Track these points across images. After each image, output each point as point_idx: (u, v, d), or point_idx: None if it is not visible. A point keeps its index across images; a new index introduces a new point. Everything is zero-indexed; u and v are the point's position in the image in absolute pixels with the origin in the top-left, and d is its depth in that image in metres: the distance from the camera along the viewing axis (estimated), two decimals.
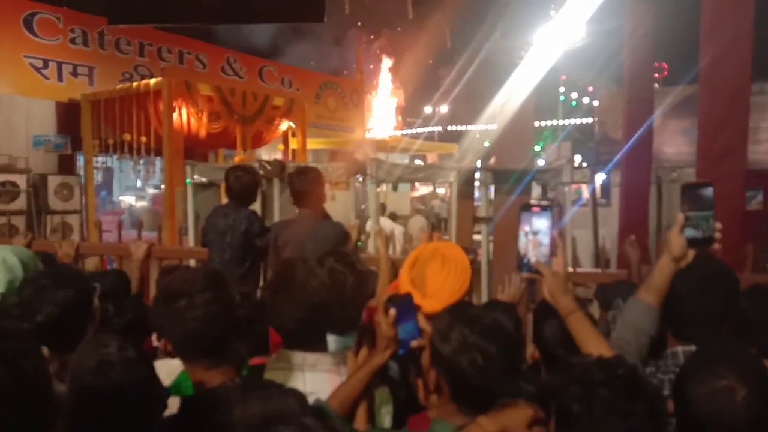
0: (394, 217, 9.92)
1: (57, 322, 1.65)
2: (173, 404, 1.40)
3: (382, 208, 12.06)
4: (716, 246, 1.60)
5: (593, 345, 1.53)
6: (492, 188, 3.77)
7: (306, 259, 1.78)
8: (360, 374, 1.46)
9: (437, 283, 1.74)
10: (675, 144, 13.78)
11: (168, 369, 1.55)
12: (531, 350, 1.90)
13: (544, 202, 1.75)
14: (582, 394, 1.19)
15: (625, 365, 1.32)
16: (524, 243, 1.68)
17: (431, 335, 1.43)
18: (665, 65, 21.51)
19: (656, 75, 20.56)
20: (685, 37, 4.16)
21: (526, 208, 1.69)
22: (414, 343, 1.46)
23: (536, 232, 1.68)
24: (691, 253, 1.60)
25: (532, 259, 1.67)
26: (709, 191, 1.63)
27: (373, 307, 1.65)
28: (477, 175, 4.89)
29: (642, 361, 1.63)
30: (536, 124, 24.15)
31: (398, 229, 9.35)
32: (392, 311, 1.46)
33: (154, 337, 2.23)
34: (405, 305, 1.50)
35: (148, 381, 1.35)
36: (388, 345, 1.46)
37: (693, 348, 1.66)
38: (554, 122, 22.30)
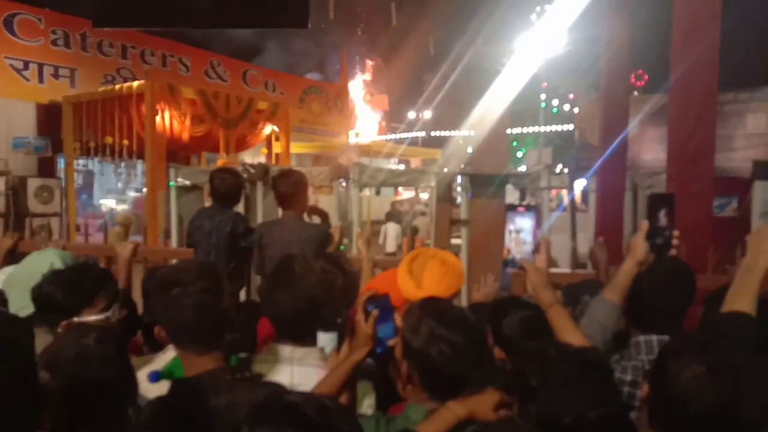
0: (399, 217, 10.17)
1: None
2: (165, 388, 1.47)
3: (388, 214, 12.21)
4: (673, 251, 1.76)
5: (570, 335, 1.66)
6: (470, 192, 3.90)
7: (305, 256, 1.88)
8: (340, 369, 1.54)
9: (434, 279, 1.88)
10: (652, 151, 14.06)
11: (164, 362, 1.63)
12: (495, 351, 1.99)
13: (528, 203, 1.88)
14: (543, 367, 1.31)
15: (595, 355, 1.43)
16: (508, 240, 1.79)
17: (402, 329, 1.52)
18: (645, 74, 21.93)
19: (636, 83, 20.95)
20: (664, 46, 4.31)
21: (512, 207, 1.81)
22: (391, 342, 1.54)
23: (519, 231, 1.79)
24: (651, 257, 1.75)
25: (517, 256, 1.78)
26: (671, 200, 1.82)
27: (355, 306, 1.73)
28: (459, 179, 5.01)
29: (606, 352, 1.75)
30: (518, 130, 24.49)
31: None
32: (374, 311, 1.54)
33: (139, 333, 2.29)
34: (383, 305, 1.58)
35: (122, 374, 1.44)
36: (366, 342, 1.53)
37: (653, 338, 1.80)
38: (535, 129, 22.58)
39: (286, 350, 1.71)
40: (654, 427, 1.39)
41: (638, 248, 1.75)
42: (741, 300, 1.49)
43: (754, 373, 1.27)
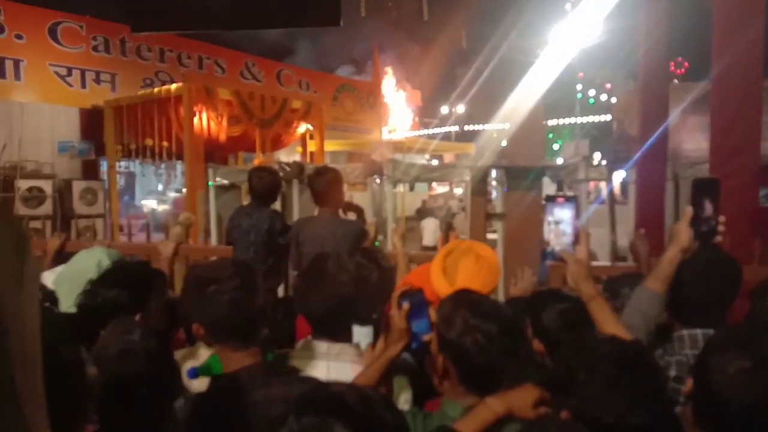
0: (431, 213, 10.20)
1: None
2: (204, 384, 1.52)
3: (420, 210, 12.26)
4: (719, 238, 1.69)
5: (612, 328, 1.62)
6: (506, 186, 3.87)
7: (339, 254, 1.90)
8: (376, 364, 1.56)
9: (468, 275, 1.85)
10: (694, 140, 13.67)
11: (204, 357, 1.68)
12: (535, 343, 1.98)
13: (569, 194, 1.84)
14: (588, 363, 1.28)
15: (639, 348, 1.40)
16: (547, 232, 1.76)
17: (437, 323, 1.52)
18: (685, 62, 21.30)
19: (676, 71, 20.37)
20: (705, 32, 4.19)
21: (551, 198, 1.78)
22: (426, 337, 1.55)
23: (559, 222, 1.75)
24: (695, 245, 1.69)
25: (556, 248, 1.75)
26: (716, 186, 1.74)
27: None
28: (494, 173, 4.96)
29: (649, 345, 1.71)
30: (554, 122, 24.12)
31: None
32: (405, 305, 1.55)
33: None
34: (418, 301, 1.58)
35: (166, 369, 1.49)
36: (400, 337, 1.54)
37: (697, 332, 1.74)
38: (572, 120, 22.19)
39: (322, 346, 1.74)
40: (699, 423, 1.35)
41: (682, 235, 1.69)
42: None
43: None
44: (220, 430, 1.41)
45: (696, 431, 1.34)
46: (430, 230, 11.44)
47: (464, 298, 1.54)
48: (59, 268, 2.41)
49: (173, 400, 1.51)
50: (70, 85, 11.50)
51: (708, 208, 1.69)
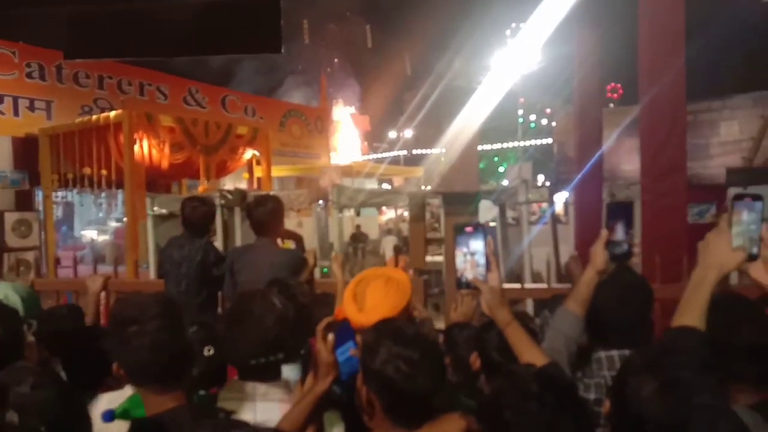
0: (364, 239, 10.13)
1: None
2: (122, 428, 1.42)
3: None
4: (634, 260, 1.74)
5: (529, 353, 1.62)
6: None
7: (264, 293, 1.83)
8: (304, 402, 1.52)
9: (376, 298, 1.81)
10: (630, 161, 14.22)
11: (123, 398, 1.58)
12: (473, 358, 2.00)
13: (475, 222, 1.82)
14: (515, 402, 1.26)
15: (561, 378, 1.40)
16: (462, 263, 1.74)
17: (361, 353, 1.49)
18: (620, 87, 22.29)
19: (612, 96, 21.29)
20: (637, 60, 4.40)
21: (460, 230, 1.76)
22: (352, 351, 1.51)
23: (474, 253, 1.74)
24: (611, 266, 1.73)
25: (470, 277, 1.73)
26: (629, 209, 1.81)
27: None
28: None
29: (571, 365, 1.73)
30: (498, 146, 24.72)
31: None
32: (330, 337, 1.52)
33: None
34: (344, 330, 1.55)
35: (67, 418, 1.33)
36: (328, 371, 1.52)
37: (614, 353, 1.79)
38: (514, 144, 22.81)
39: (249, 386, 1.67)
40: None
41: (598, 257, 1.72)
42: (690, 314, 1.41)
43: (700, 389, 1.26)
44: None
45: None
46: (389, 247, 11.51)
47: (386, 328, 1.52)
48: None
49: None
50: (2, 113, 11.05)
51: (621, 230, 1.73)
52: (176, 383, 1.50)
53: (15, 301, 2.04)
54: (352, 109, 22.70)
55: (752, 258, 1.43)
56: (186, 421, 1.41)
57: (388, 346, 1.43)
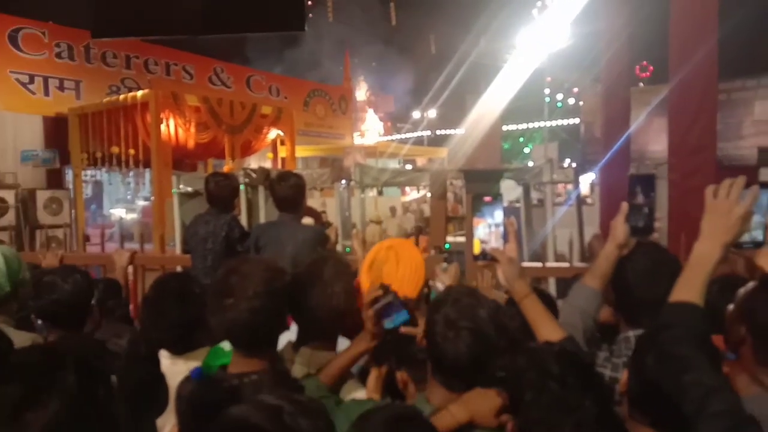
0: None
1: (65, 302, 2.04)
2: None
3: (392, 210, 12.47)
4: (656, 235, 1.70)
5: (545, 327, 1.62)
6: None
7: (338, 258, 1.96)
8: (345, 354, 1.66)
9: (393, 285, 1.80)
10: (659, 141, 13.94)
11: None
12: None
13: (494, 193, 1.81)
14: (536, 383, 1.24)
15: (580, 358, 1.40)
16: (486, 234, 1.74)
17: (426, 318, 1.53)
18: (650, 66, 21.73)
19: (642, 75, 20.77)
20: (668, 38, 4.30)
21: (478, 200, 1.75)
22: (404, 329, 1.57)
23: (498, 224, 1.73)
24: (632, 241, 1.70)
25: (494, 246, 1.73)
26: (651, 182, 1.74)
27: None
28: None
29: (587, 341, 1.71)
30: (524, 125, 24.37)
31: None
32: (370, 311, 1.58)
33: None
34: (391, 301, 1.59)
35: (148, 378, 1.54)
36: (372, 338, 1.61)
37: (642, 332, 1.74)
38: (539, 124, 22.45)
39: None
40: (634, 416, 1.38)
41: (618, 230, 1.69)
42: (691, 290, 1.35)
43: (695, 365, 1.24)
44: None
45: (631, 423, 1.36)
46: (392, 226, 11.65)
47: (448, 295, 1.54)
48: None
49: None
50: (33, 93, 11.24)
51: (643, 202, 1.69)
52: (265, 349, 1.60)
53: (1, 263, 2.22)
54: (376, 89, 22.59)
55: (758, 245, 1.38)
56: (266, 384, 1.49)
57: (445, 312, 1.47)
